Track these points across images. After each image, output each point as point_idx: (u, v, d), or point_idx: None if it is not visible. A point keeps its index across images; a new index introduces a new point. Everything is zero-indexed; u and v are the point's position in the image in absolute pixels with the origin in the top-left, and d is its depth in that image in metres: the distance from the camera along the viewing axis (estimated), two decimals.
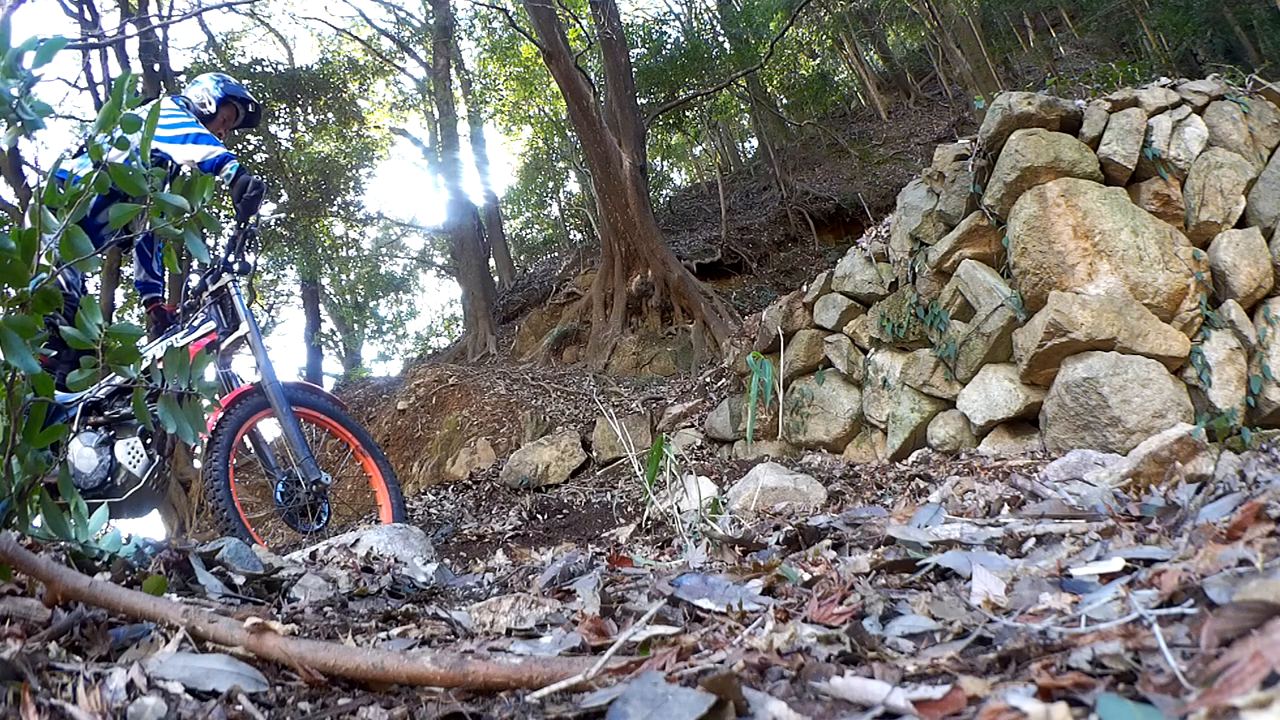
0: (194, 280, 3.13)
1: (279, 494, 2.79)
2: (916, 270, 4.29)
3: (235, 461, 2.78)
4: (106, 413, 2.81)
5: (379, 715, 0.73)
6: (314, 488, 2.79)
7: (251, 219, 2.97)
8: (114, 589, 0.92)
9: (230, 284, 2.98)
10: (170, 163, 2.93)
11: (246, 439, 2.91)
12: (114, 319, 11.52)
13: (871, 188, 12.27)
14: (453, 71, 16.02)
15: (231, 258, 3.00)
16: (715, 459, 5.46)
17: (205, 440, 2.72)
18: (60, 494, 1.25)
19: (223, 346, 2.92)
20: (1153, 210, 3.60)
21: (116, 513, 2.76)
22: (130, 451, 2.73)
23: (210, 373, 2.84)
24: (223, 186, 2.89)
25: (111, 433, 2.78)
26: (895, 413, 4.31)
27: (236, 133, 3.44)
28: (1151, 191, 3.62)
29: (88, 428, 2.79)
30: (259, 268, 16.67)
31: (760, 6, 14.73)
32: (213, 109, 3.26)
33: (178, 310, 3.20)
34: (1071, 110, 3.80)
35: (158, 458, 2.77)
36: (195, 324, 2.96)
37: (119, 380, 2.81)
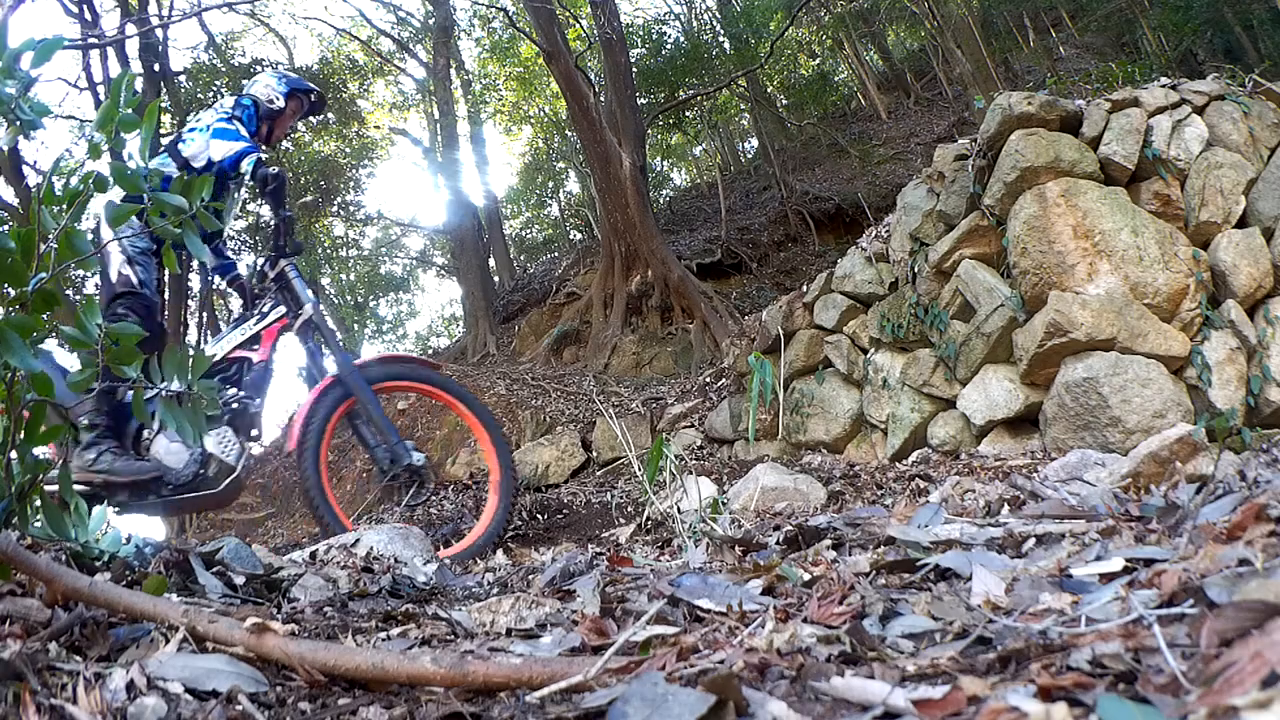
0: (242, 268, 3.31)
1: (382, 470, 2.96)
2: (916, 270, 4.28)
3: (329, 453, 2.90)
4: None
5: (379, 715, 0.73)
6: (407, 468, 2.93)
7: (283, 206, 3.05)
8: (114, 589, 0.92)
9: (287, 268, 3.07)
10: (212, 163, 3.04)
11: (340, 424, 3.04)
12: None
13: (871, 188, 12.26)
14: (453, 71, 16.01)
15: (282, 242, 3.08)
16: (715, 459, 5.46)
17: (294, 438, 2.82)
18: (61, 494, 1.25)
19: (294, 328, 3.03)
20: (1153, 210, 3.60)
21: (206, 504, 2.81)
22: (222, 441, 2.77)
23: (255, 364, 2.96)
24: (249, 181, 2.99)
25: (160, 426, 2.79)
26: (895, 413, 4.31)
27: (299, 122, 3.60)
28: (1151, 191, 3.62)
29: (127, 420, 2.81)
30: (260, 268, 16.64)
31: (760, 6, 14.73)
32: (281, 104, 3.36)
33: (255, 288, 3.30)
34: (1071, 110, 3.79)
35: (247, 445, 2.85)
36: (265, 310, 3.05)
37: None
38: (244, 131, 3.14)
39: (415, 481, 2.96)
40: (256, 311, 3.07)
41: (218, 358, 2.94)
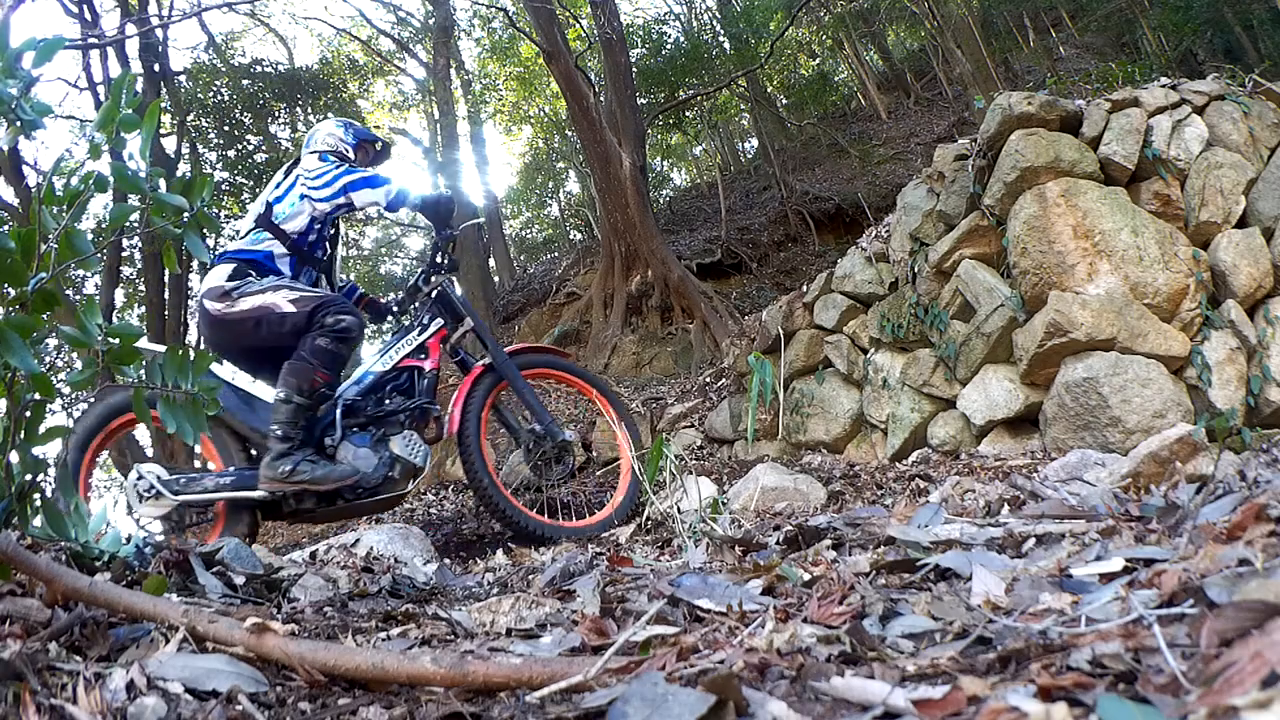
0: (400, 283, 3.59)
1: (526, 450, 3.26)
2: (916, 270, 4.28)
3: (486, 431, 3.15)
4: (367, 413, 2.99)
5: (379, 715, 0.73)
6: (558, 444, 3.24)
7: (446, 227, 3.22)
8: (114, 589, 0.92)
9: (445, 284, 3.29)
10: (351, 211, 3.14)
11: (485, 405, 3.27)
12: (114, 319, 11.53)
13: (871, 188, 12.25)
14: (453, 71, 16.01)
15: (441, 260, 3.28)
16: (715, 459, 5.46)
17: (456, 421, 3.05)
18: (61, 495, 1.25)
19: (453, 340, 3.26)
20: (1153, 210, 3.60)
21: (390, 504, 3.01)
22: (408, 444, 2.95)
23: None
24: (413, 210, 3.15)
25: (382, 430, 2.97)
26: (895, 413, 4.31)
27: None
28: (1151, 191, 3.62)
29: (354, 430, 2.95)
30: None
31: (760, 6, 14.73)
32: (352, 156, 3.38)
33: (386, 300, 3.49)
34: (1071, 110, 3.79)
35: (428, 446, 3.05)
36: (426, 322, 3.23)
37: (369, 380, 3.06)
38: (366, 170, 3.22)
39: (562, 456, 3.27)
40: (417, 324, 3.23)
41: (388, 368, 3.10)
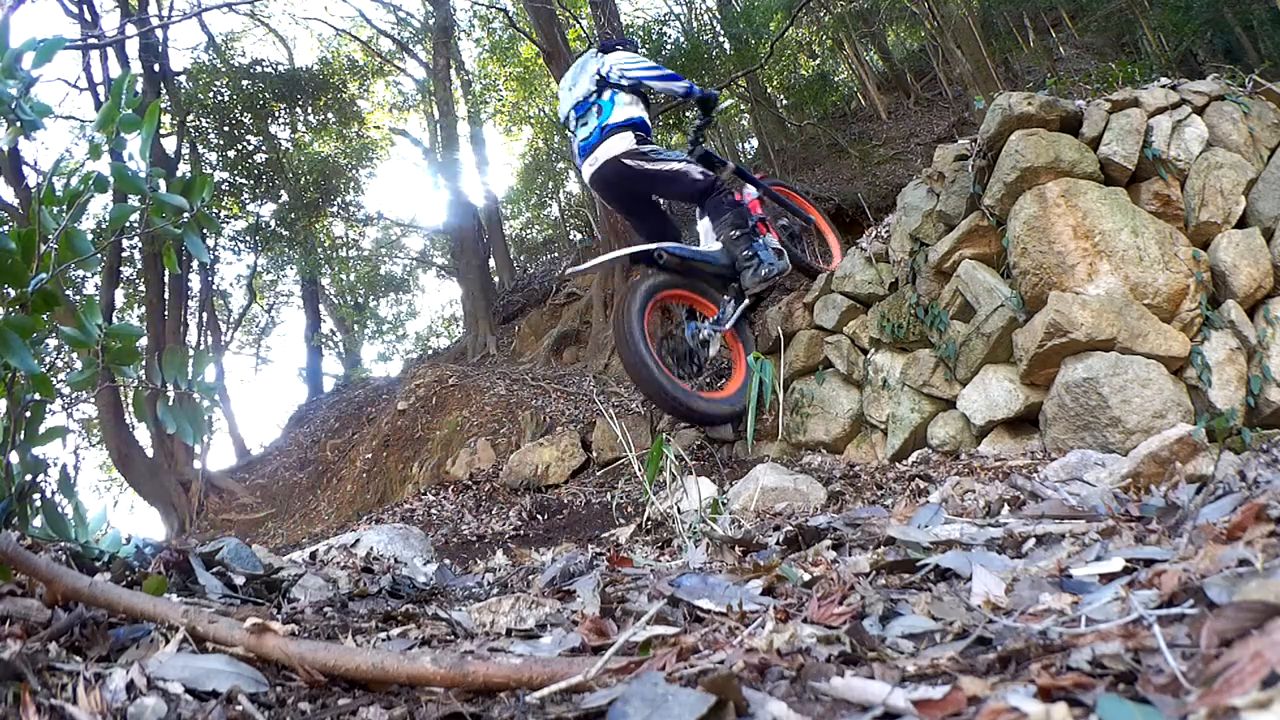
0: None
1: (784, 233, 4.91)
2: (916, 270, 4.28)
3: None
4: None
5: (379, 715, 0.73)
6: (800, 225, 5.40)
7: (709, 115, 4.69)
8: (114, 589, 0.92)
9: (705, 148, 4.75)
10: (649, 90, 4.48)
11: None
12: (114, 319, 11.52)
13: (871, 188, 12.22)
14: (453, 72, 16.00)
15: (706, 132, 4.72)
16: (715, 459, 5.46)
17: (757, 212, 4.73)
18: (61, 495, 1.25)
19: (724, 181, 4.54)
20: (1153, 210, 3.59)
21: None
22: (774, 239, 4.57)
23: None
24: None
25: (758, 237, 4.37)
26: (895, 413, 4.31)
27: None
28: (1151, 191, 3.62)
29: (757, 244, 4.32)
30: (260, 268, 16.78)
31: (760, 6, 14.72)
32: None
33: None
34: (1071, 110, 3.79)
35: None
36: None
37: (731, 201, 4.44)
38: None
39: (805, 230, 5.39)
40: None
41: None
